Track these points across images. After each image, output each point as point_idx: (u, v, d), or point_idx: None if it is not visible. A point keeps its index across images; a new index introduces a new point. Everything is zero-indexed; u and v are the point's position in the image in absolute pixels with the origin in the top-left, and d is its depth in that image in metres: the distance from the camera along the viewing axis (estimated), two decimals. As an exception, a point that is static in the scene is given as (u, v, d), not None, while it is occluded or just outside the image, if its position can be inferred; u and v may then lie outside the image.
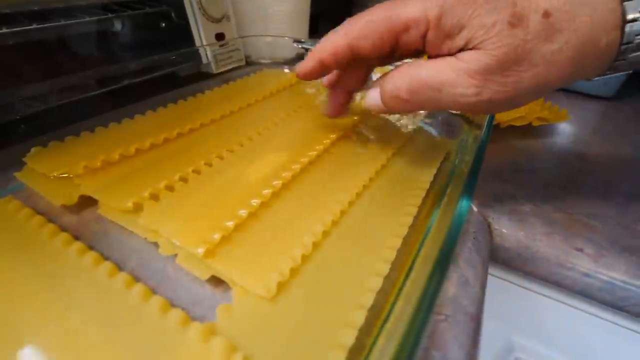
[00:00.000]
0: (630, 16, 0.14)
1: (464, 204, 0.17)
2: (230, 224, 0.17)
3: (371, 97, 0.20)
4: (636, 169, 0.32)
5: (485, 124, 0.23)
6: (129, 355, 0.13)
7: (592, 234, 0.24)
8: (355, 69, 0.22)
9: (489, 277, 0.26)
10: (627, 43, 0.15)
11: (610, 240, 0.23)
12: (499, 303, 0.27)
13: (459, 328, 0.16)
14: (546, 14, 0.14)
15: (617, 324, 0.25)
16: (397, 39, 0.18)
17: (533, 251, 0.24)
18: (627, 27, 0.14)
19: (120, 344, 0.13)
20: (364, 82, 0.23)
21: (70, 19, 0.29)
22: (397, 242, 0.18)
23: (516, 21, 0.15)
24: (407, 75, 0.18)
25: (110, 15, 0.32)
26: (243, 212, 0.18)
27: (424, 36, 0.17)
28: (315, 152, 0.23)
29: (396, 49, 0.18)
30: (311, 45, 0.41)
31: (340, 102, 0.24)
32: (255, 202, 0.19)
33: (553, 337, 0.29)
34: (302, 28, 0.50)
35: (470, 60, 0.16)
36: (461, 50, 0.16)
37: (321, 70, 0.20)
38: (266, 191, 0.20)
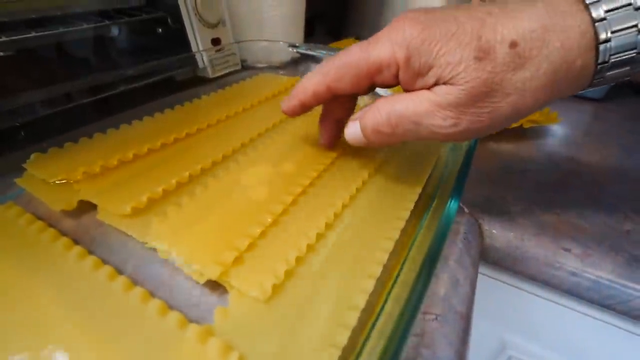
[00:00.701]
0: (602, 36, 0.14)
1: (452, 205, 0.17)
2: (243, 242, 0.17)
3: (351, 132, 0.20)
4: (625, 170, 0.32)
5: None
6: (128, 357, 0.13)
7: (580, 234, 0.24)
8: (340, 100, 0.22)
9: (481, 277, 0.27)
10: (603, 63, 0.15)
11: (597, 240, 0.24)
12: (491, 302, 0.28)
13: (449, 327, 0.17)
14: (513, 44, 0.14)
15: (605, 322, 0.25)
16: (371, 79, 0.18)
17: (522, 251, 0.24)
18: (601, 47, 0.14)
19: (120, 346, 0.14)
20: (351, 112, 0.23)
21: (67, 26, 0.29)
22: (390, 245, 0.18)
23: (482, 54, 0.15)
24: (385, 110, 0.18)
25: (107, 22, 0.32)
26: (255, 231, 0.18)
27: (396, 76, 0.17)
28: (323, 166, 0.23)
29: (374, 85, 0.19)
30: (306, 49, 0.41)
31: (332, 133, 0.25)
32: (267, 218, 0.19)
33: (544, 335, 0.29)
34: (298, 32, 0.50)
35: (443, 94, 0.16)
36: (435, 84, 0.16)
37: (303, 109, 0.21)
38: (277, 207, 0.19)
